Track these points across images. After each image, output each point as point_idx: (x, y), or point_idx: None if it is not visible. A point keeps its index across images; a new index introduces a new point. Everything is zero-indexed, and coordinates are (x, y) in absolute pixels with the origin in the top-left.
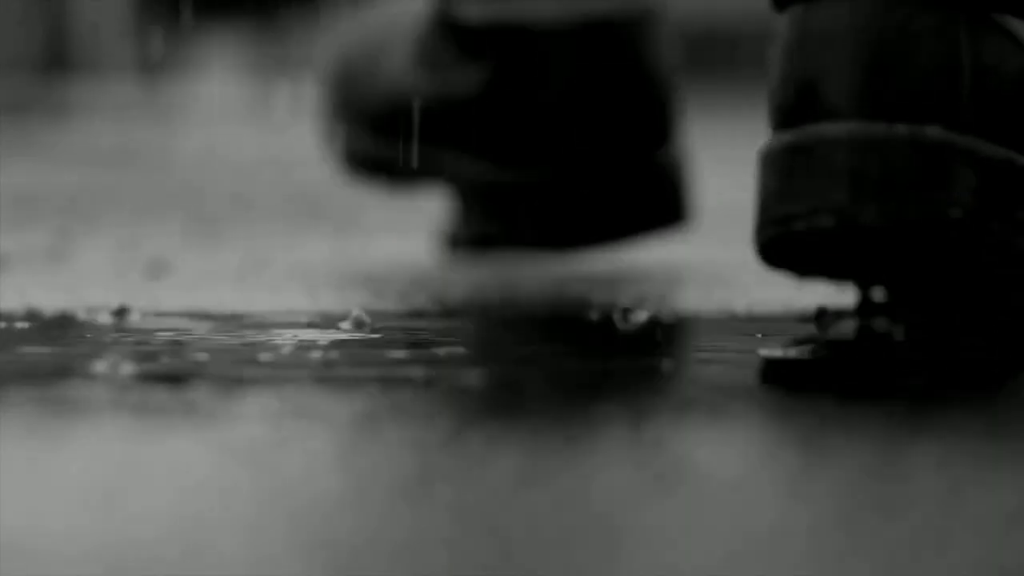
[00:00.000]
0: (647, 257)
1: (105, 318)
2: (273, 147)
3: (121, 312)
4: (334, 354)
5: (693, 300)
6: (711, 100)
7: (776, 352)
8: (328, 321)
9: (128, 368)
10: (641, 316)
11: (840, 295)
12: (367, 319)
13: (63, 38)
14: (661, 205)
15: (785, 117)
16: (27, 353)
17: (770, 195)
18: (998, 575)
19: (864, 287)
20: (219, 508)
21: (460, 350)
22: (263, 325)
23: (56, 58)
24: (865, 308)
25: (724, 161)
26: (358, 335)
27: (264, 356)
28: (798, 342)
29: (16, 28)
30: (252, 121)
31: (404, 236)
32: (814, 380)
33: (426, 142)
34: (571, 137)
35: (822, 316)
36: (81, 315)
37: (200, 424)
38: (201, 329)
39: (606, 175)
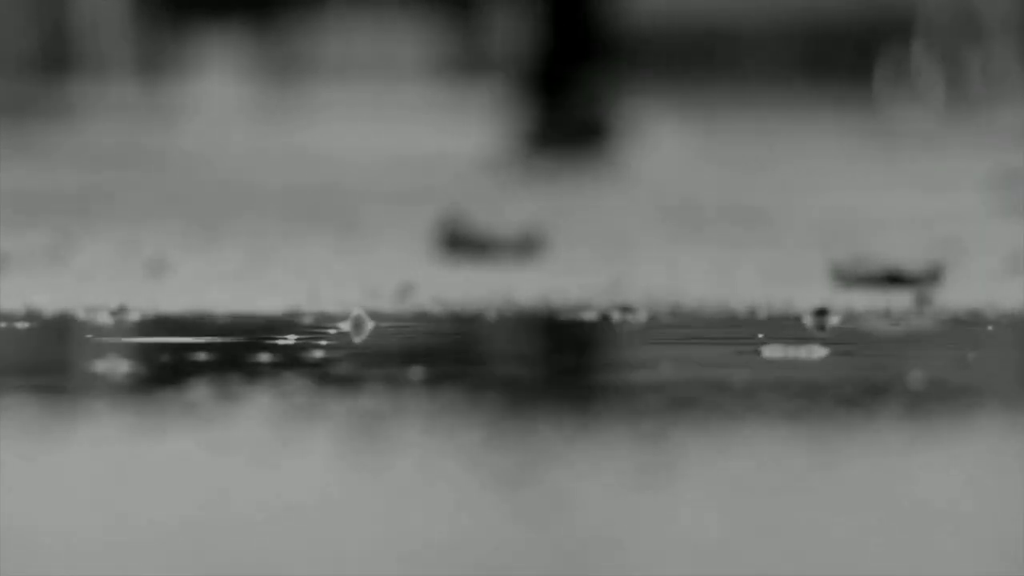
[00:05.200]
0: (647, 256)
1: (105, 318)
2: (274, 147)
3: (121, 312)
4: (334, 354)
5: (694, 299)
6: (711, 101)
7: (776, 352)
8: (328, 321)
9: (128, 368)
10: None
11: (838, 295)
12: (367, 319)
13: (63, 38)
14: None
15: None
16: (27, 353)
17: None
18: (1001, 574)
19: None
20: (219, 507)
21: (457, 350)
22: (263, 325)
23: (56, 58)
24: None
25: (725, 163)
26: (358, 335)
27: (264, 356)
28: (798, 342)
29: (16, 28)
30: (252, 121)
31: (403, 236)
32: (814, 380)
33: None
34: None
35: (821, 316)
36: (81, 315)
37: (200, 424)
38: (201, 329)
39: None
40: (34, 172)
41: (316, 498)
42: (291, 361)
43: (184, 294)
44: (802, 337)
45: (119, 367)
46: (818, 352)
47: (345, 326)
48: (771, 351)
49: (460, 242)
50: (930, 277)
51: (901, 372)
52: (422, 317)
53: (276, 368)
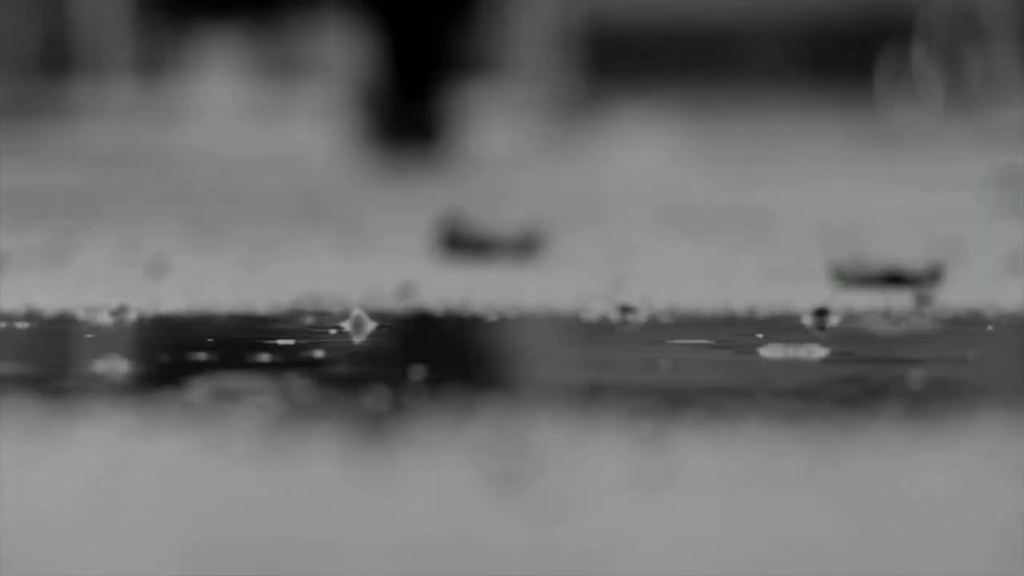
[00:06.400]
0: (648, 256)
1: (105, 318)
2: (273, 147)
3: (121, 312)
4: (334, 354)
5: (693, 300)
6: (709, 100)
7: (776, 352)
8: (328, 321)
9: (128, 368)
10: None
11: (838, 295)
12: (367, 319)
13: (63, 38)
14: None
15: None
16: (27, 353)
17: None
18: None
19: None
20: (219, 507)
21: (457, 350)
22: (263, 325)
23: (56, 58)
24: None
25: (723, 161)
26: (358, 335)
27: (264, 356)
28: (798, 342)
29: (16, 28)
30: (252, 121)
31: (403, 236)
32: (814, 380)
33: None
34: None
35: (821, 316)
36: (81, 315)
37: (200, 424)
38: (200, 329)
39: None
40: (34, 172)
41: (316, 498)
42: (291, 361)
43: (184, 294)
44: (802, 337)
45: (119, 367)
46: (818, 352)
47: (345, 326)
48: (771, 351)
49: (460, 242)
50: (930, 277)
51: (901, 372)
52: (422, 317)
53: (276, 368)
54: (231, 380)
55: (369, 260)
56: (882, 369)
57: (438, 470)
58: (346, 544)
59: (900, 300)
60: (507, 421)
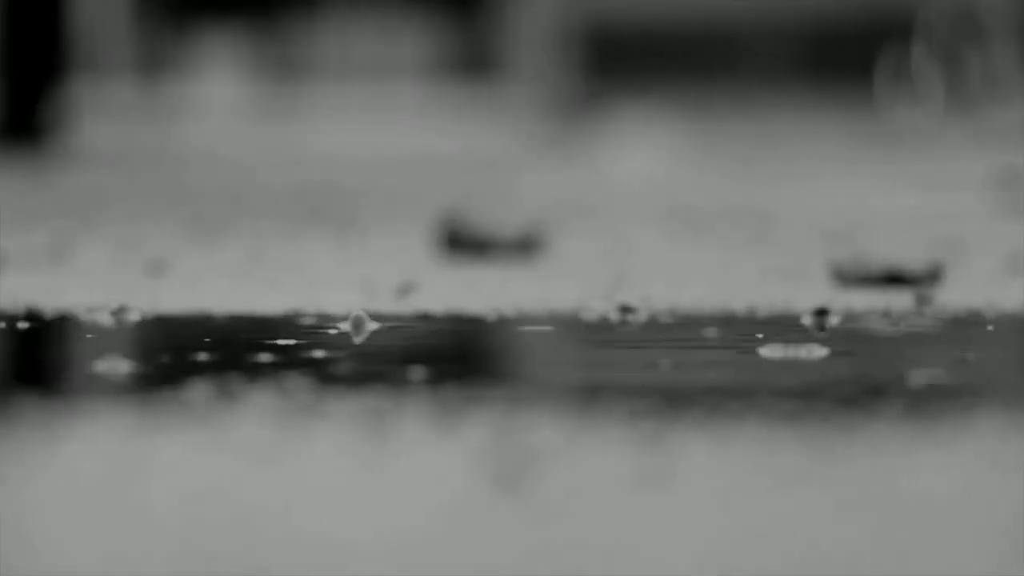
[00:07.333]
0: (647, 255)
1: (105, 318)
2: (273, 147)
3: (121, 312)
4: (334, 354)
5: (694, 300)
6: (709, 100)
7: (776, 352)
8: (328, 321)
9: (128, 368)
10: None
11: (838, 295)
12: (367, 319)
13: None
14: None
15: None
16: (28, 353)
17: None
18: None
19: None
20: (219, 507)
21: (457, 350)
22: (263, 325)
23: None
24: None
25: (723, 161)
26: (358, 335)
27: (264, 356)
28: (798, 342)
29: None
30: (251, 121)
31: (403, 236)
32: (814, 380)
33: None
34: None
35: (821, 316)
36: (81, 315)
37: (200, 424)
38: (201, 329)
39: None
40: (34, 172)
41: (316, 498)
42: (291, 361)
43: (184, 294)
44: (802, 337)
45: (119, 367)
46: (818, 352)
47: (345, 326)
48: (770, 351)
49: (460, 242)
50: (930, 277)
51: (901, 372)
52: (422, 317)
53: (276, 368)
54: (231, 380)
55: (369, 260)
56: (882, 369)
57: (438, 470)
58: (346, 543)
59: (900, 300)
60: (507, 421)
